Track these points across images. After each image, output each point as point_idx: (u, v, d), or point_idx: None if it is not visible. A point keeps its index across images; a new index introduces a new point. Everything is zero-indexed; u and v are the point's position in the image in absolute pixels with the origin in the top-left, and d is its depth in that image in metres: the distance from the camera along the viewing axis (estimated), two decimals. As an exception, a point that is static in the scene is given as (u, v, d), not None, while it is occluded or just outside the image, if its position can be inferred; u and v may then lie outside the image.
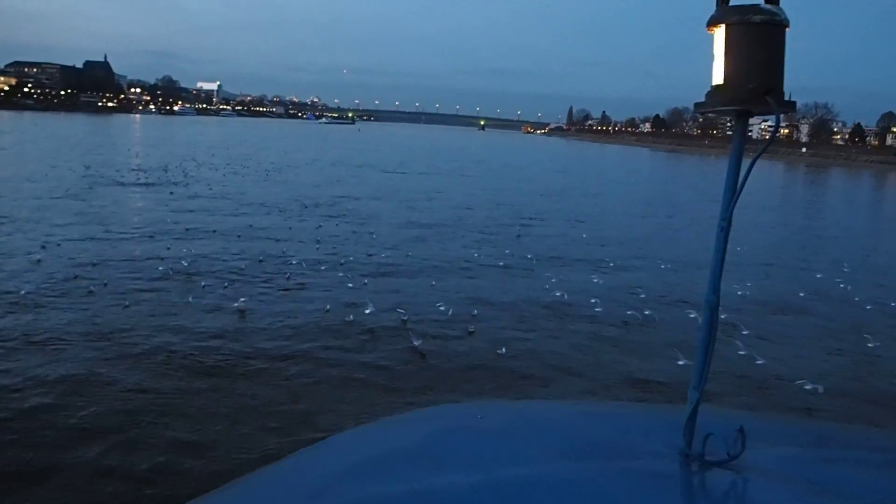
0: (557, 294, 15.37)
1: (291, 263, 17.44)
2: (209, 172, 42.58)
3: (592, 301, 14.89)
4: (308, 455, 2.01)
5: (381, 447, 1.99)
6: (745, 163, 1.57)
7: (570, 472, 1.71)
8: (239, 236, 21.33)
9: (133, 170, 40.92)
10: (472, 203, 34.16)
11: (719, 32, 1.54)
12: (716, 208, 1.60)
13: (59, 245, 18.56)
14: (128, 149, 63.68)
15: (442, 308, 13.67)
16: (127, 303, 13.31)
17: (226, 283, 15.26)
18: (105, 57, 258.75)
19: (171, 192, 31.55)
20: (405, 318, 13.12)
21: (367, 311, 13.07)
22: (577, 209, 33.52)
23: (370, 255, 19.33)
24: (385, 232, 23.26)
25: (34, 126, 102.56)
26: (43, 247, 18.26)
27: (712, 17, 1.55)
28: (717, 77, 1.55)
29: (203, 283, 15.09)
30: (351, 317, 12.94)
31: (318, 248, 20.07)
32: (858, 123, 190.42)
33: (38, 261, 16.54)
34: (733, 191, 1.57)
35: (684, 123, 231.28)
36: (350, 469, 1.81)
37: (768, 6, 1.50)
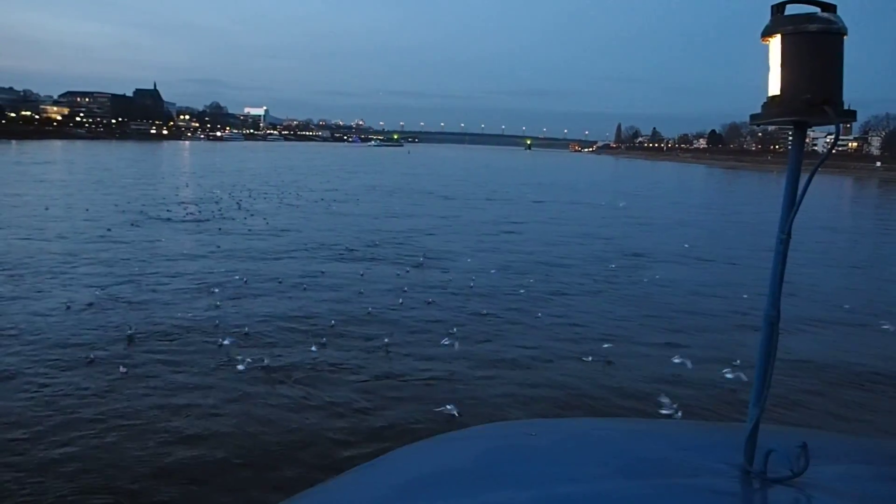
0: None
1: (383, 340, 13.17)
2: (263, 204, 39.05)
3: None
4: (365, 471, 2.08)
5: (436, 464, 2.00)
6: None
7: (627, 490, 1.66)
8: (305, 288, 17.57)
9: (181, 203, 37.56)
10: (559, 236, 29.95)
11: (775, 43, 1.53)
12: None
13: (84, 308, 14.86)
14: (176, 178, 60.88)
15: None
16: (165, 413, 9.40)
17: (304, 378, 11.25)
18: (154, 85, 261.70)
19: (220, 228, 28.03)
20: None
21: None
22: (685, 242, 28.84)
23: (483, 315, 15.13)
24: (483, 282, 18.97)
25: (83, 155, 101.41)
26: (67, 307, 14.78)
27: (767, 27, 1.54)
28: (773, 88, 1.53)
29: (277, 377, 11.14)
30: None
31: (401, 303, 16.12)
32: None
33: (53, 325, 12.89)
34: (792, 204, 1.57)
35: (742, 138, 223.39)
36: (406, 486, 1.84)
37: (825, 14, 1.48)
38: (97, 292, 16.04)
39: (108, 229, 26.70)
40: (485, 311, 15.52)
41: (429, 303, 16.40)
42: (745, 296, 17.22)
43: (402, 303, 16.17)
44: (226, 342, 12.62)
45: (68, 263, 19.73)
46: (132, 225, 28.07)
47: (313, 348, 12.46)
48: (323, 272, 19.83)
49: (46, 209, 32.31)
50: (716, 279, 20.84)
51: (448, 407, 9.71)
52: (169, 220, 30.50)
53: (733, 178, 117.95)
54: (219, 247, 23.54)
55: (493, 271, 20.58)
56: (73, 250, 21.86)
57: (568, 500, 1.62)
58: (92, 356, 11.63)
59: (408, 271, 20.35)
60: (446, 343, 12.95)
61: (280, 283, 18.09)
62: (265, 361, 11.63)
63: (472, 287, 18.10)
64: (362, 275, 19.46)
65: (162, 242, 24.25)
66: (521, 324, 14.85)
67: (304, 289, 17.48)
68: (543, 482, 1.71)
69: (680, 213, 44.78)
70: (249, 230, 27.95)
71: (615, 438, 2.17)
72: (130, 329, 13.02)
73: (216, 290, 16.94)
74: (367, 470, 2.08)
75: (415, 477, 1.91)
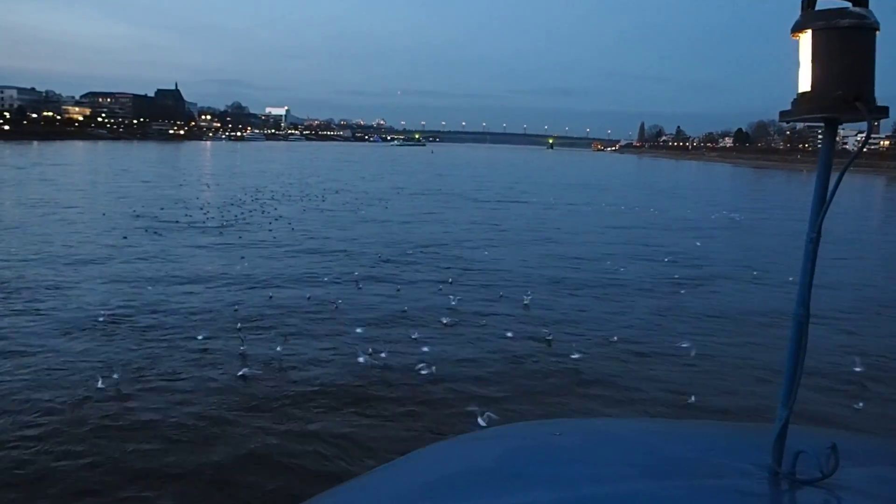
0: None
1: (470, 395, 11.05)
2: (287, 207, 37.09)
3: None
4: (388, 471, 2.09)
5: (460, 464, 1.97)
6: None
7: (654, 491, 1.65)
8: (335, 307, 15.43)
9: (202, 207, 35.59)
10: (602, 245, 27.72)
11: (805, 38, 1.51)
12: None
13: (83, 330, 12.91)
14: (197, 180, 59.18)
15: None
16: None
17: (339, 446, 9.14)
18: (176, 85, 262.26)
19: (240, 237, 25.93)
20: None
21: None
22: (736, 249, 26.44)
23: (559, 360, 12.52)
24: (540, 299, 16.79)
25: (103, 156, 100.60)
26: (65, 333, 12.72)
27: (797, 22, 1.52)
28: (804, 84, 1.51)
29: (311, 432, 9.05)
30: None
31: (449, 327, 14.13)
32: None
33: (47, 372, 10.91)
34: (822, 202, 1.55)
35: (770, 137, 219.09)
36: (429, 485, 1.83)
37: (857, 9, 1.46)
38: (100, 317, 14.10)
39: (125, 237, 24.87)
40: (549, 336, 13.41)
41: (482, 325, 14.33)
42: None
43: (446, 323, 14.15)
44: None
45: (72, 279, 17.84)
46: (154, 233, 26.10)
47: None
48: (360, 287, 17.88)
49: (55, 214, 30.65)
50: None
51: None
52: (189, 225, 28.59)
53: (773, 177, 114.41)
54: (242, 257, 21.61)
55: (543, 285, 18.44)
56: (80, 262, 19.99)
57: (594, 501, 1.61)
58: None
59: (450, 282, 18.41)
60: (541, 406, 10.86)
61: (308, 299, 16.13)
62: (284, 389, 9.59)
63: (527, 308, 15.98)
64: (398, 291, 17.46)
65: (180, 252, 22.35)
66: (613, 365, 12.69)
67: (333, 308, 15.50)
68: (569, 482, 1.69)
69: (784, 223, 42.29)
70: (274, 238, 25.94)
71: (641, 439, 2.13)
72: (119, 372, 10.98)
73: (237, 308, 15.06)
74: (391, 469, 2.08)
75: (439, 477, 1.88)
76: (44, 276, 17.69)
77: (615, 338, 13.65)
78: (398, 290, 17.49)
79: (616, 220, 37.27)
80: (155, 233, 26.05)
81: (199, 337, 12.83)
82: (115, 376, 10.65)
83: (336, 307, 15.47)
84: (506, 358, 12.34)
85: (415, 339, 13.09)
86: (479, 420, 9.34)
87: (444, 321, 14.48)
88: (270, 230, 27.94)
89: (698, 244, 27.66)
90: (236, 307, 15.17)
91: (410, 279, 18.98)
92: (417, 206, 40.72)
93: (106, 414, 9.40)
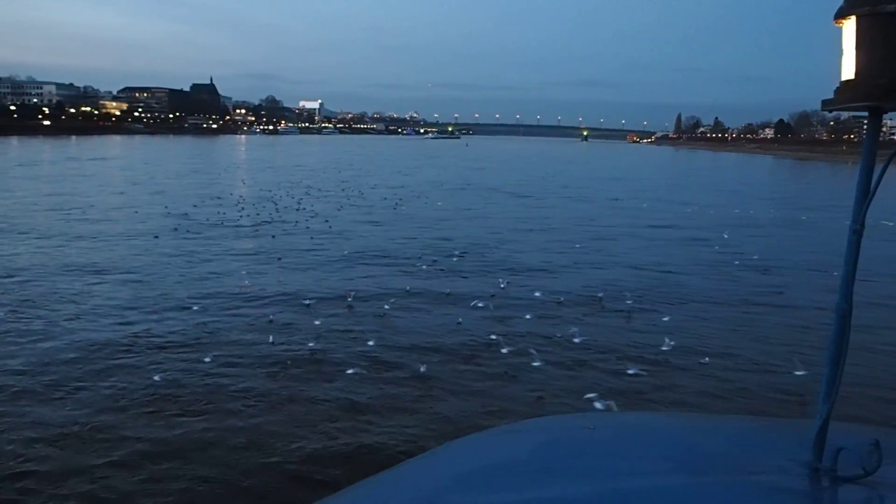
0: None
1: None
2: (323, 204, 35.70)
3: None
4: (421, 463, 2.05)
5: (493, 456, 1.97)
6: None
7: (692, 487, 1.62)
8: (378, 328, 13.84)
9: (237, 203, 34.51)
10: (662, 245, 25.81)
11: (849, 25, 1.46)
12: None
13: (82, 356, 11.47)
14: (232, 174, 58.32)
15: None
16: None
17: None
18: (211, 80, 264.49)
19: (273, 237, 24.55)
20: None
21: None
22: (824, 255, 24.42)
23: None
24: (588, 327, 15.10)
25: (139, 150, 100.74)
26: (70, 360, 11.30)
27: (841, 8, 1.48)
28: (847, 72, 1.47)
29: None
30: None
31: (509, 367, 12.26)
32: None
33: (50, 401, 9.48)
34: (865, 194, 1.52)
35: (812, 128, 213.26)
36: (462, 477, 1.81)
37: None
38: (114, 331, 12.75)
39: (156, 236, 23.71)
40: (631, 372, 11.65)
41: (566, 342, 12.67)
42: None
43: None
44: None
45: (93, 284, 16.59)
46: (186, 232, 24.94)
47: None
48: (408, 289, 16.43)
49: (82, 211, 29.70)
50: None
51: None
52: (222, 223, 27.34)
53: (821, 169, 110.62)
54: (279, 259, 20.28)
55: (599, 294, 16.69)
56: (104, 265, 18.75)
57: (630, 495, 1.57)
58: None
59: (503, 287, 16.82)
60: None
61: (350, 309, 14.68)
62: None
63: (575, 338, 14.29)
64: (448, 293, 15.98)
65: (212, 252, 21.07)
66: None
67: (381, 315, 14.03)
68: (602, 476, 1.67)
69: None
70: (311, 238, 24.51)
71: (677, 433, 2.10)
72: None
73: (272, 318, 13.69)
74: (425, 460, 2.07)
75: (472, 468, 1.87)
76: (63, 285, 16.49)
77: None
78: (457, 322, 15.94)
79: (667, 217, 35.24)
80: (187, 231, 24.87)
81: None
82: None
83: (378, 328, 13.67)
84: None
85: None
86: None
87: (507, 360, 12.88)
88: (308, 228, 26.56)
89: (770, 247, 25.68)
90: (271, 318, 13.78)
91: (469, 312, 17.36)
92: (459, 202, 39.08)
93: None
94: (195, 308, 14.36)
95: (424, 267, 19.56)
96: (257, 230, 25.96)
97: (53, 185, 42.06)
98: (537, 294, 16.14)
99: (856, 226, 1.52)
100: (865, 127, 1.64)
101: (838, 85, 1.49)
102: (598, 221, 32.17)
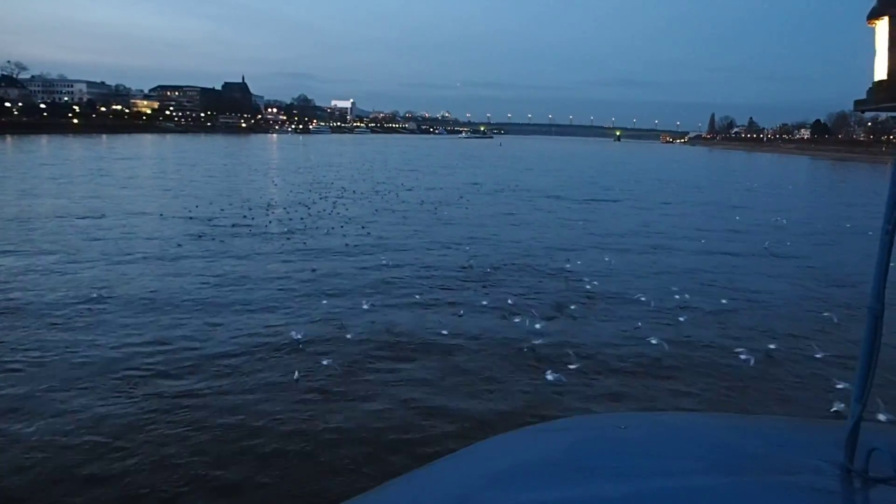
0: None
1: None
2: (358, 207, 33.53)
3: None
4: (452, 462, 2.01)
5: (525, 455, 1.94)
6: None
7: (722, 486, 1.59)
8: (424, 348, 11.53)
9: (268, 206, 32.57)
10: (733, 251, 23.21)
11: (882, 25, 1.43)
12: None
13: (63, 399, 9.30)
14: (263, 175, 56.48)
15: None
16: None
17: None
18: (242, 78, 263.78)
19: (305, 243, 22.56)
20: None
21: None
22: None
23: None
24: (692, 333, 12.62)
25: (170, 149, 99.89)
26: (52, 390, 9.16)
27: (874, 9, 1.44)
28: (880, 72, 1.42)
29: None
30: None
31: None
32: None
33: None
34: None
35: (850, 128, 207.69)
36: (494, 476, 1.79)
37: None
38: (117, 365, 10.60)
39: (179, 244, 21.71)
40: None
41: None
42: None
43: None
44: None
45: (96, 304, 14.48)
46: (210, 239, 22.90)
47: None
48: (460, 313, 14.17)
49: (102, 217, 27.80)
50: None
51: None
52: (249, 229, 25.29)
53: (863, 170, 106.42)
54: (314, 270, 18.17)
55: (681, 319, 14.26)
56: (111, 280, 16.66)
57: (663, 495, 1.54)
58: None
59: (572, 307, 14.38)
60: None
61: (395, 338, 12.41)
62: None
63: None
64: (520, 349, 13.60)
65: (238, 263, 18.96)
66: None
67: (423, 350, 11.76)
68: (635, 475, 1.63)
69: None
70: (346, 244, 22.36)
71: (709, 433, 2.06)
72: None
73: (302, 344, 11.45)
74: (457, 459, 2.02)
75: (504, 467, 1.84)
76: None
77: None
78: (521, 347, 13.59)
79: (724, 222, 32.56)
80: (214, 240, 22.81)
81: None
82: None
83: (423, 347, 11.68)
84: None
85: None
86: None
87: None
88: (344, 236, 24.36)
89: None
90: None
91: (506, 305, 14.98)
92: (500, 206, 36.66)
93: None
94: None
95: (482, 290, 17.25)
96: (289, 239, 23.82)
97: (76, 188, 40.52)
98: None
99: (888, 225, 1.49)
100: None
101: (871, 85, 1.44)
102: (653, 227, 29.57)
